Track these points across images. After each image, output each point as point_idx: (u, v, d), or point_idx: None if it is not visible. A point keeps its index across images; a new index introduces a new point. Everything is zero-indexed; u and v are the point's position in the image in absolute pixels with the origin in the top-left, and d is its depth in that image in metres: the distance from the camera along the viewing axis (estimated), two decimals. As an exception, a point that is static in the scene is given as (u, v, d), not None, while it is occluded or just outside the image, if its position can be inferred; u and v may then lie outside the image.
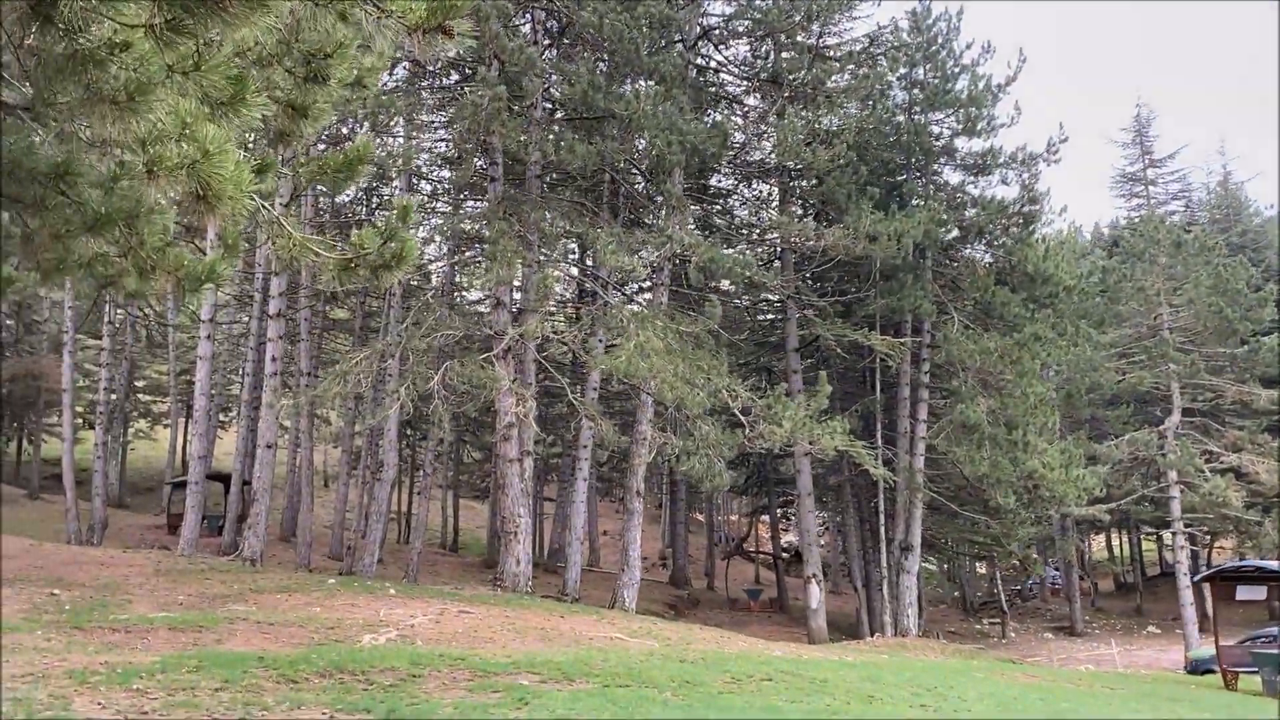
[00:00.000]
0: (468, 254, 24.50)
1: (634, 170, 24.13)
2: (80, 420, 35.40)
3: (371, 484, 35.06)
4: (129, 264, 5.03)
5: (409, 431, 38.28)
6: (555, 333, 16.77)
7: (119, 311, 34.20)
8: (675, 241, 17.42)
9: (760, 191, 27.15)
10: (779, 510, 45.79)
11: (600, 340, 19.34)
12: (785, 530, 69.56)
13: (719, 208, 27.26)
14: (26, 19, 3.22)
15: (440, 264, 34.96)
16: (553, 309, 17.15)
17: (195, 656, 9.46)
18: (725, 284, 32.34)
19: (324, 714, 7.43)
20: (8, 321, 41.06)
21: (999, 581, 40.62)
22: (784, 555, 58.49)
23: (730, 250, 19.43)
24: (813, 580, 23.86)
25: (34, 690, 7.17)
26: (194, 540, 24.11)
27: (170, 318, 43.68)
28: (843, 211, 21.33)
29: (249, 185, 4.22)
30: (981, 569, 47.64)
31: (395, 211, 5.34)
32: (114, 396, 35.07)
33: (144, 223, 4.89)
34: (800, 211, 22.95)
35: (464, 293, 36.77)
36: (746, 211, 27.76)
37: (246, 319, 43.03)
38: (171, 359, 44.42)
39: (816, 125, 20.12)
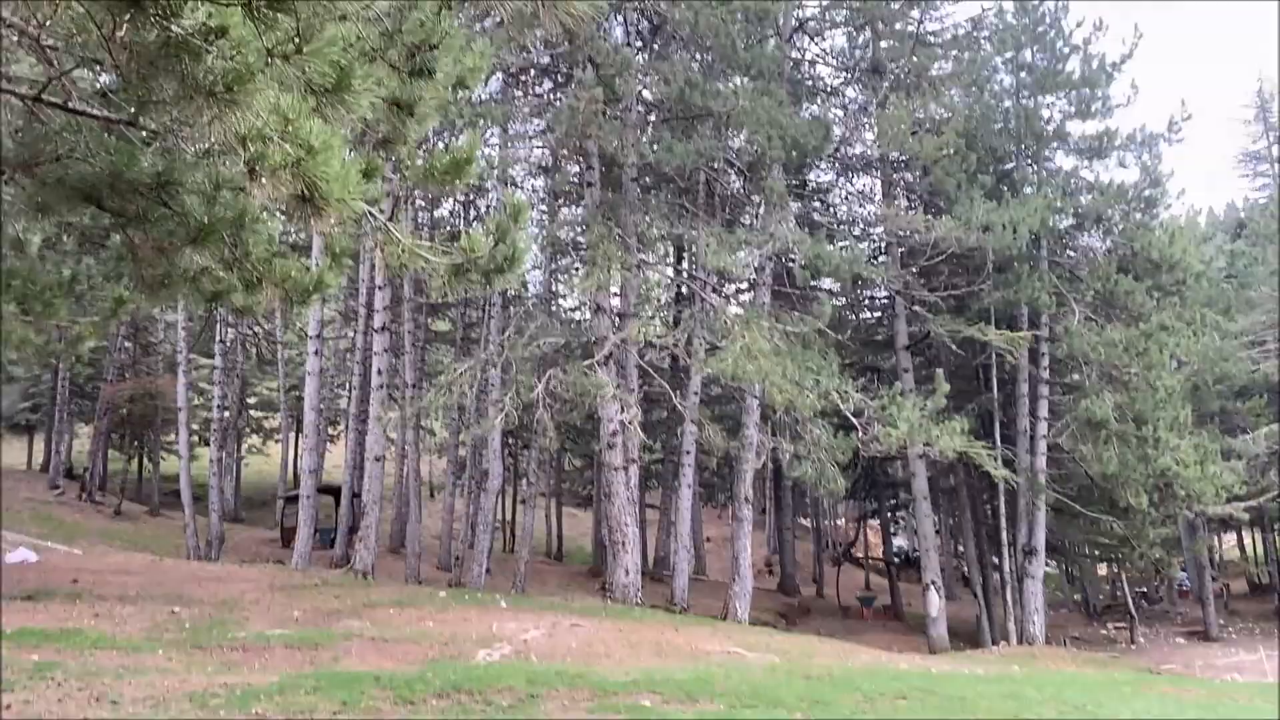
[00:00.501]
0: (564, 261, 24.32)
1: (729, 169, 23.68)
2: (195, 438, 36.38)
3: (477, 494, 35.27)
4: (235, 277, 4.79)
5: (510, 440, 38.43)
6: (658, 337, 16.38)
7: (230, 331, 35.06)
8: (777, 239, 16.89)
9: (862, 186, 26.38)
10: (888, 514, 44.62)
11: (701, 343, 18.93)
12: (894, 534, 68.07)
13: (818, 204, 26.57)
14: (117, 8, 2.94)
15: (538, 272, 35.08)
16: (650, 313, 16.75)
17: (313, 676, 9.32)
18: (827, 283, 31.64)
19: (444, 739, 7.15)
20: (125, 344, 42.56)
21: (1125, 584, 38.77)
22: (894, 560, 57.12)
23: (833, 247, 18.78)
24: (931, 587, 22.98)
25: (155, 716, 7.05)
26: (307, 554, 24.44)
27: (279, 335, 44.76)
28: (952, 202, 20.50)
29: (357, 186, 3.91)
30: (1102, 571, 45.65)
31: (506, 210, 5.00)
32: (227, 414, 35.98)
33: (248, 233, 4.64)
34: (905, 204, 22.14)
35: (560, 300, 36.81)
36: (847, 207, 27.05)
37: (351, 334, 43.92)
38: (281, 375, 45.47)
39: (923, 113, 19.37)
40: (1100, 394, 21.08)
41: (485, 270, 5.05)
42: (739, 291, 22.36)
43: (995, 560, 33.15)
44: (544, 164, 29.82)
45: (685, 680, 9.77)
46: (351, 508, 33.30)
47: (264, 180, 3.48)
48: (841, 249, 18.68)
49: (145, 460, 45.95)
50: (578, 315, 39.03)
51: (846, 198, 25.37)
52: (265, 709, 7.64)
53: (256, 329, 45.29)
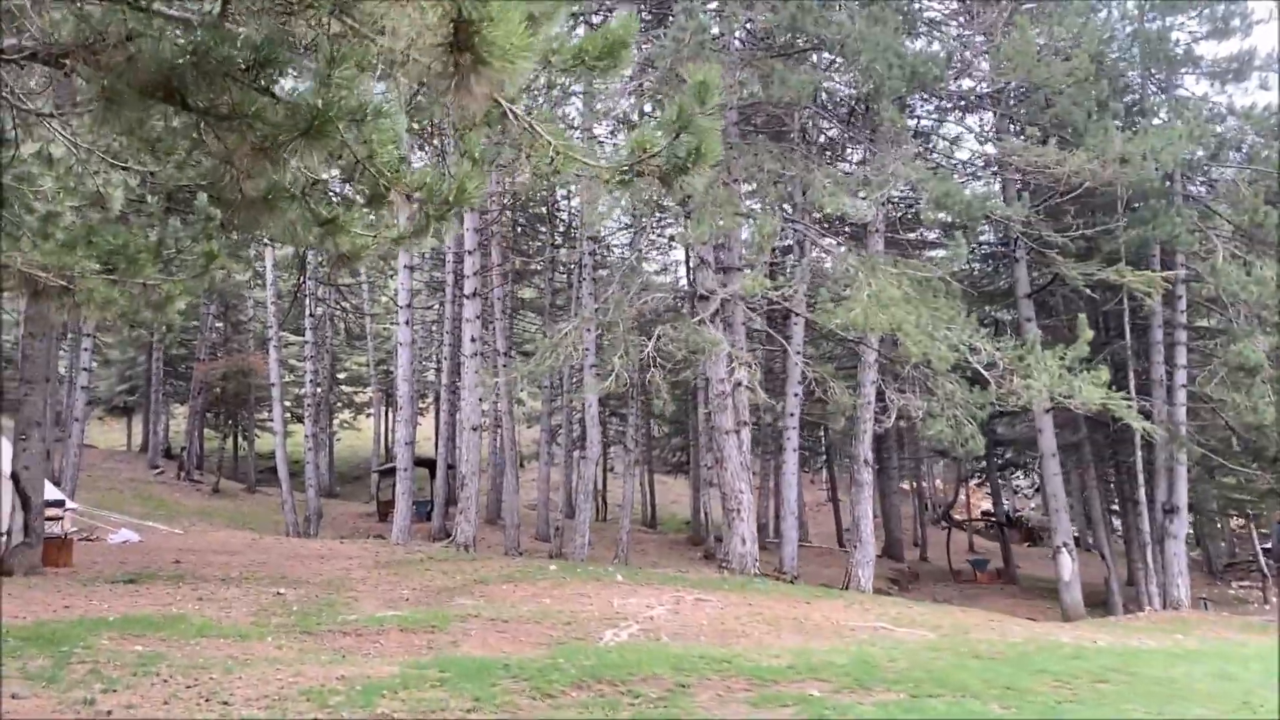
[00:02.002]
0: (658, 216, 23.13)
1: (824, 114, 22.22)
2: (289, 414, 36.27)
3: (576, 463, 34.51)
4: (357, 187, 3.76)
5: (600, 408, 37.60)
6: (774, 289, 15.16)
7: (319, 306, 34.75)
8: (899, 178, 15.50)
9: (969, 125, 24.64)
10: (997, 474, 42.78)
11: (802, 295, 17.64)
12: (990, 495, 65.88)
13: (921, 147, 24.94)
14: None
15: (627, 231, 33.95)
16: (761, 265, 15.52)
17: (435, 664, 8.44)
18: (930, 233, 29.92)
19: (599, 743, 6.17)
20: (216, 324, 42.74)
21: (1255, 541, 36.50)
22: (1004, 521, 55.15)
23: (961, 186, 17.26)
24: (1063, 550, 21.46)
25: (272, 719, 6.19)
26: (406, 527, 23.90)
27: (366, 308, 44.55)
28: (1080, 134, 18.77)
29: (523, 36, 2.83)
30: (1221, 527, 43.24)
31: (692, 89, 3.87)
32: (319, 389, 35.77)
33: (370, 127, 3.59)
34: (1023, 140, 20.44)
35: (646, 262, 35.64)
36: (953, 147, 25.31)
37: (437, 305, 43.49)
38: (370, 349, 45.34)
39: (1045, 39, 17.70)
40: (1253, 336, 19.25)
41: (663, 171, 3.94)
42: (848, 239, 20.91)
43: (1122, 520, 31.38)
44: (628, 118, 28.63)
45: (847, 664, 8.66)
46: (447, 480, 32.87)
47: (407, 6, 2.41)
48: (968, 188, 17.10)
49: (240, 438, 46.29)
50: (660, 279, 38.00)
51: (956, 139, 23.63)
52: (390, 707, 6.75)
53: (344, 304, 45.18)
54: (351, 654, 9.27)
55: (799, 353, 22.07)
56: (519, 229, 36.69)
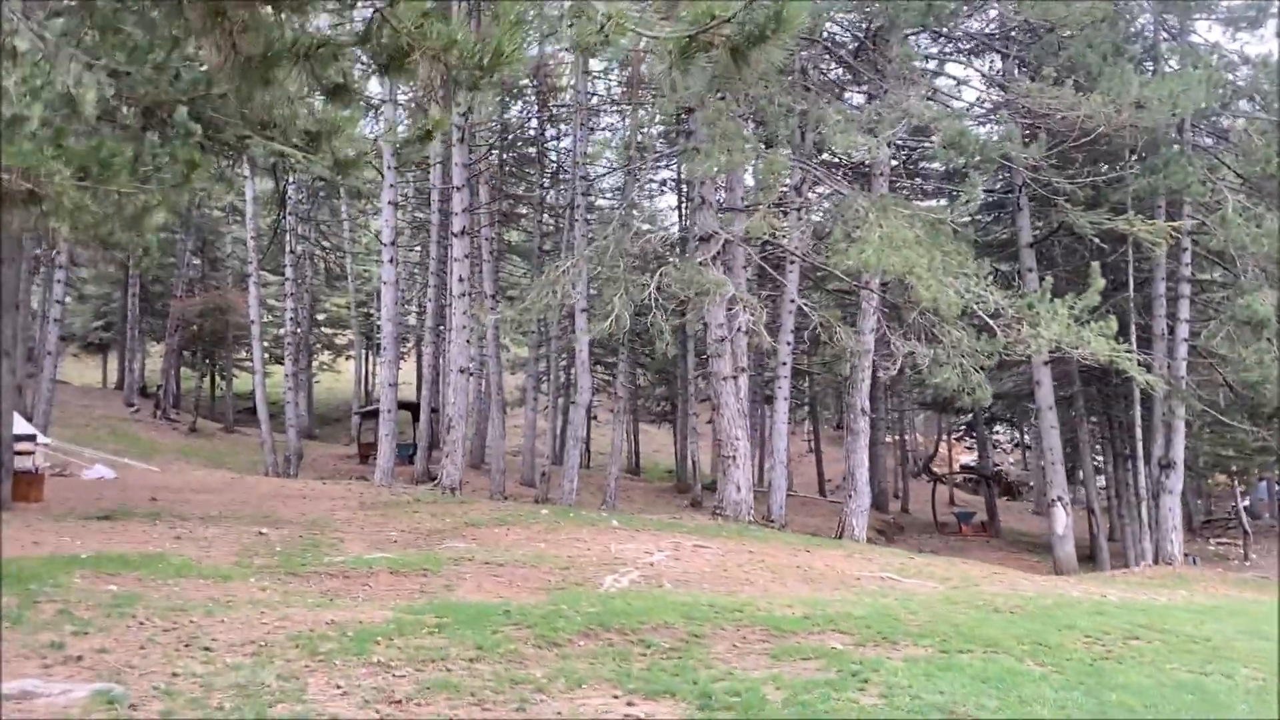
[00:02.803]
0: (658, 154, 22.38)
1: (830, 51, 21.48)
2: (267, 355, 35.50)
3: (560, 409, 34.01)
4: (373, 47, 3.14)
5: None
6: (778, 232, 14.54)
7: (300, 244, 33.85)
8: (912, 116, 14.86)
9: (979, 67, 23.96)
10: (983, 427, 42.59)
11: (799, 238, 17.03)
12: (969, 449, 66.05)
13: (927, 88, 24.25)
14: None
15: (617, 175, 33.18)
16: (768, 205, 14.84)
17: (431, 609, 7.95)
18: (928, 181, 29.30)
19: (617, 696, 5.69)
20: (194, 260, 41.68)
21: (1237, 498, 36.57)
22: (972, 474, 55.29)
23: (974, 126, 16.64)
24: (1058, 503, 21.22)
25: (260, 670, 5.66)
26: (389, 469, 23.37)
27: (347, 247, 43.63)
28: (1094, 78, 18.16)
29: None
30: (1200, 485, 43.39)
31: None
32: (299, 330, 34.98)
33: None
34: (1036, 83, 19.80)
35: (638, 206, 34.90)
36: (957, 89, 24.63)
37: (419, 246, 42.62)
38: (351, 290, 44.49)
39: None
40: (1261, 290, 18.86)
41: (734, 42, 3.34)
42: (850, 183, 20.27)
43: (1109, 475, 31.23)
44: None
45: (866, 616, 8.23)
46: (430, 423, 32.31)
47: None
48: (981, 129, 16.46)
49: (217, 377, 45.48)
50: (646, 226, 37.25)
51: (962, 82, 22.96)
52: (388, 657, 6.25)
53: (325, 243, 44.24)
54: (340, 597, 8.77)
55: (794, 299, 21.55)
56: (506, 170, 35.77)
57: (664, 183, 33.89)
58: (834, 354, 15.99)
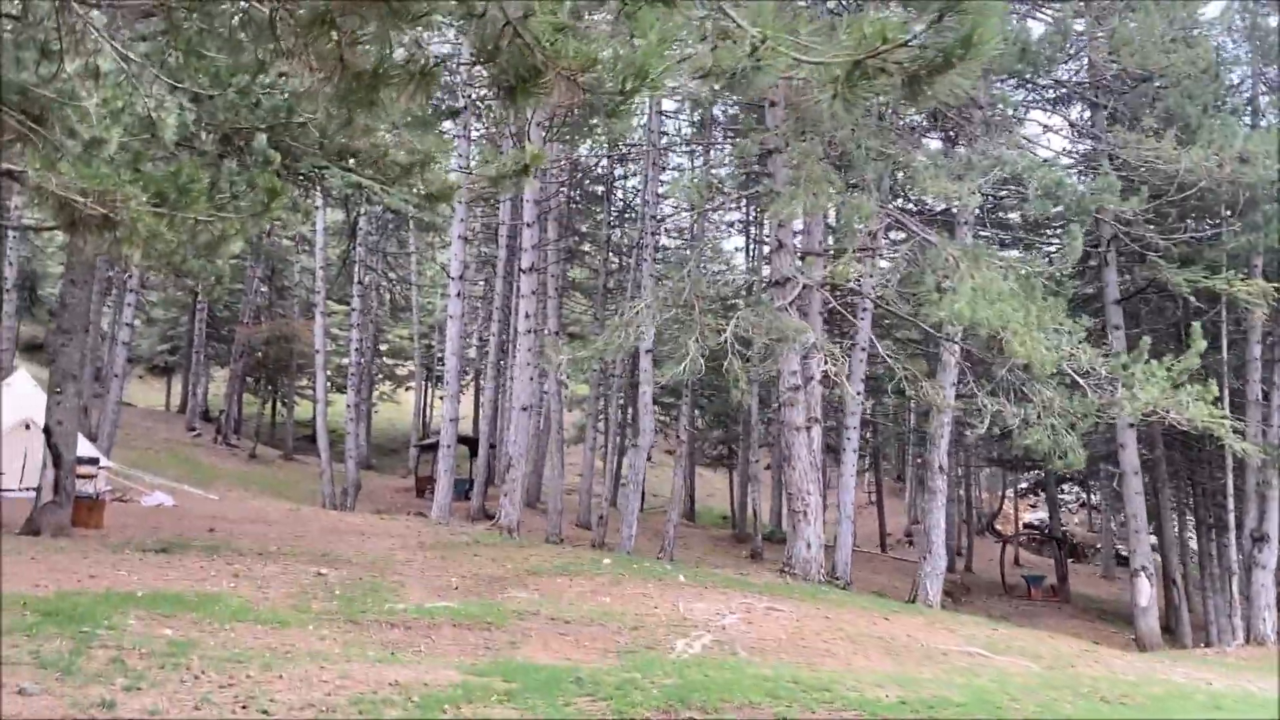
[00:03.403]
0: (728, 196, 21.94)
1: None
2: (329, 384, 35.57)
3: (615, 450, 33.51)
4: (498, 67, 2.71)
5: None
6: (865, 276, 13.96)
7: (367, 274, 33.93)
8: (1008, 164, 14.26)
9: (1061, 117, 23.25)
10: (1054, 486, 41.23)
11: (885, 282, 16.41)
12: (1033, 507, 64.29)
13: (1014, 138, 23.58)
14: None
15: (685, 214, 32.85)
16: (851, 250, 14.26)
17: (497, 670, 7.46)
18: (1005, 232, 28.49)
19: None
20: (261, 288, 42.10)
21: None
22: (1036, 534, 53.50)
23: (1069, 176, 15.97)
24: (1141, 573, 20.15)
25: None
26: (447, 506, 23.06)
27: (413, 279, 43.81)
28: (1192, 130, 17.41)
29: None
30: None
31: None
32: (363, 359, 35.03)
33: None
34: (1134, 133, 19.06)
35: (708, 248, 34.51)
36: (1042, 138, 23.93)
37: (482, 281, 42.63)
38: (415, 322, 44.60)
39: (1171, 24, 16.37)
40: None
41: (911, 71, 2.86)
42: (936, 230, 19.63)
43: (1183, 542, 29.85)
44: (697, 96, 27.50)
45: (967, 704, 7.56)
46: (489, 459, 32.01)
47: None
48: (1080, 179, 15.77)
49: (278, 404, 45.78)
50: (712, 267, 36.77)
51: (1049, 130, 22.25)
52: (456, 729, 5.75)
53: (391, 274, 44.49)
54: (401, 650, 8.31)
55: (864, 348, 20.91)
56: (573, 206, 35.66)
57: (731, 225, 33.55)
58: (901, 408, 15.20)
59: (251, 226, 6.82)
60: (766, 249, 30.73)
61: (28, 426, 19.20)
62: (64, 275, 14.82)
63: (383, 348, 48.46)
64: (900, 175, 16.43)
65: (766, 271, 17.58)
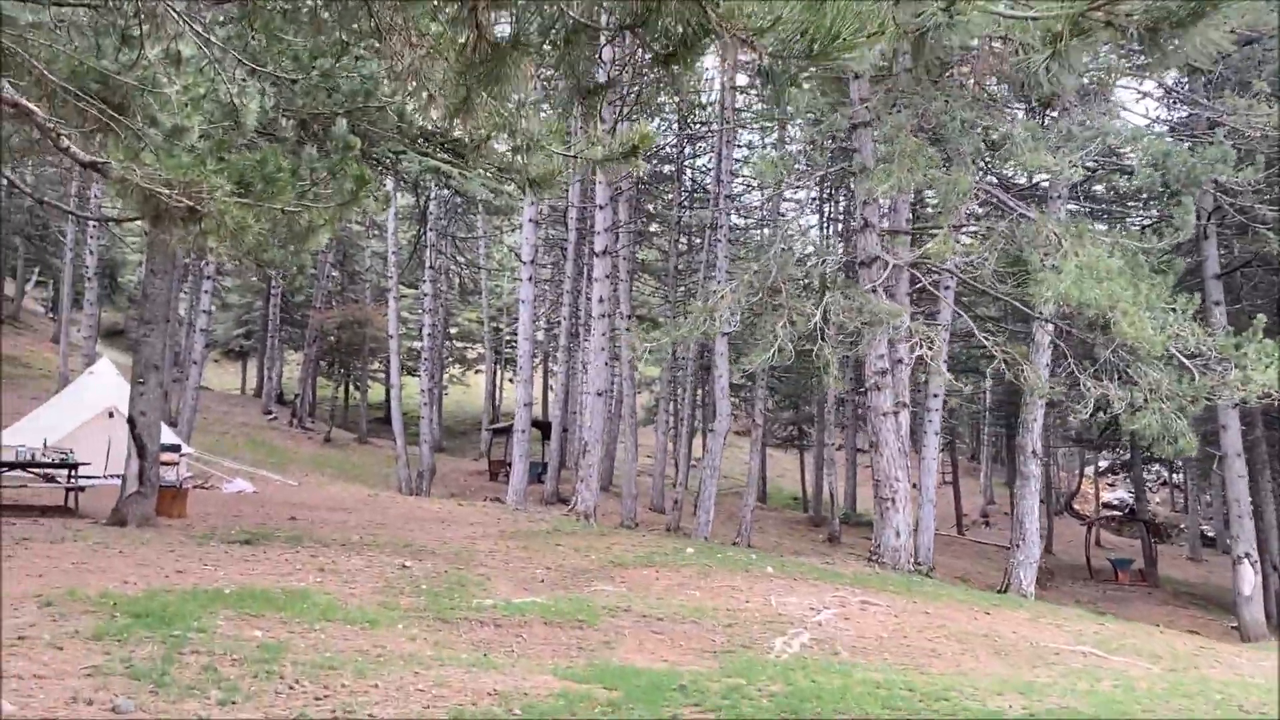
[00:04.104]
0: (810, 173, 21.31)
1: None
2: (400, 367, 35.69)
3: (690, 431, 33.10)
4: (658, 29, 2.30)
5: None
6: (961, 255, 13.30)
7: (439, 256, 33.87)
8: (1110, 134, 13.48)
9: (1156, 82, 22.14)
10: (1140, 466, 39.89)
11: (982, 261, 15.70)
12: (1111, 486, 62.59)
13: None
14: None
15: (756, 193, 32.20)
16: (946, 228, 13.59)
17: (595, 675, 7.14)
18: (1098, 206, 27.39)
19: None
20: (333, 272, 42.43)
21: None
22: (1117, 514, 52.06)
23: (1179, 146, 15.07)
24: (1244, 561, 19.24)
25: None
26: (522, 490, 22.93)
27: (482, 263, 43.79)
28: (1304, 93, 16.40)
29: None
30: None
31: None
32: (435, 343, 35.10)
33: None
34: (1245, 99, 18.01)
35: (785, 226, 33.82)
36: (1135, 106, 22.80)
37: (550, 264, 42.43)
38: (485, 305, 44.63)
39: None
40: None
41: (1154, 18, 2.39)
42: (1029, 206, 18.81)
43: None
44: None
45: (1100, 717, 7.04)
46: (561, 443, 31.89)
47: None
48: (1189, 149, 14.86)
49: (351, 388, 46.23)
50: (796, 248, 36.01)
51: (1146, 96, 21.22)
52: (564, 747, 5.42)
53: (460, 259, 44.53)
54: (494, 650, 8.03)
55: (946, 328, 20.21)
56: (640, 187, 35.21)
57: (802, 204, 32.82)
58: (977, 388, 14.50)
59: (339, 216, 6.52)
60: (845, 228, 30.01)
61: (111, 414, 19.42)
62: (145, 265, 14.82)
63: (452, 331, 48.65)
64: (984, 149, 15.67)
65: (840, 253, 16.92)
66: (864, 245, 15.73)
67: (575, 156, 4.76)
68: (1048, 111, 18.57)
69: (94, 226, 30.05)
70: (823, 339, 12.82)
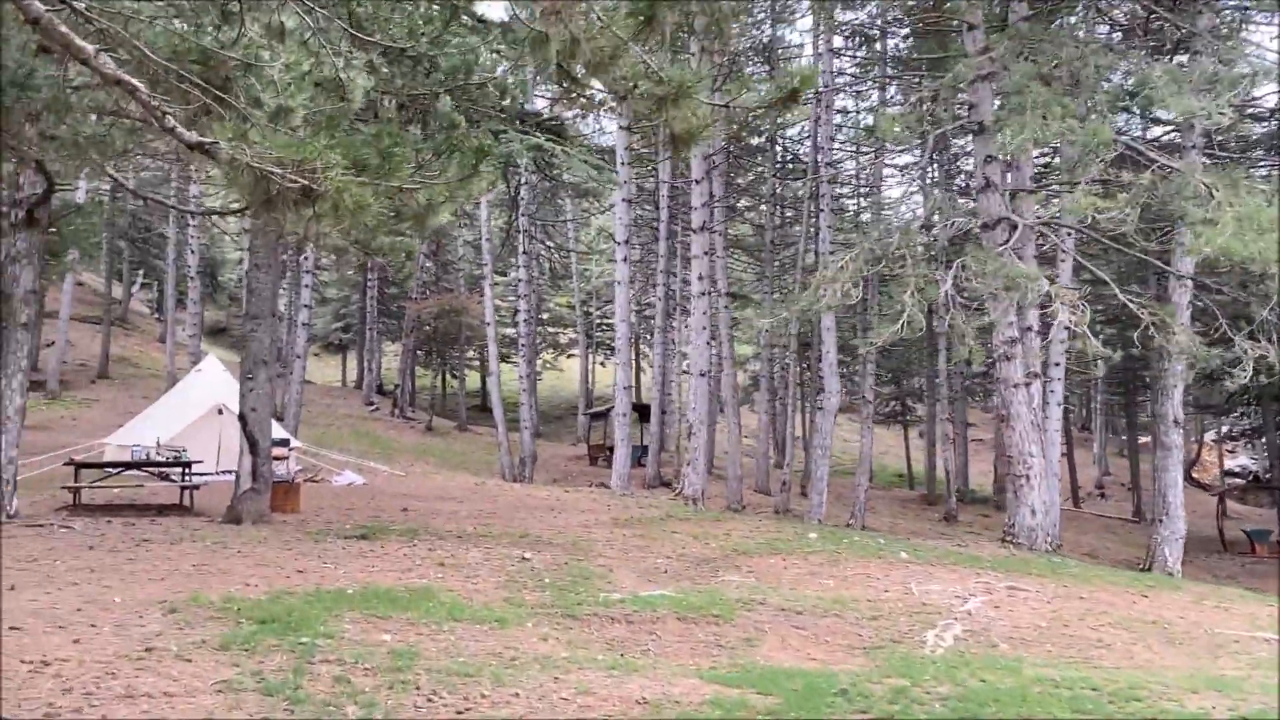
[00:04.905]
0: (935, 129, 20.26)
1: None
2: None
3: (792, 410, 32.36)
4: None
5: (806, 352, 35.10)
6: (1098, 211, 12.29)
7: (534, 242, 33.64)
8: (1259, 76, 12.33)
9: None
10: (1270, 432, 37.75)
11: (1124, 218, 14.61)
12: (1231, 453, 59.82)
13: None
14: None
15: (854, 159, 31.17)
16: (1081, 182, 12.60)
17: (744, 679, 6.60)
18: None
19: None
20: (426, 263, 42.60)
21: None
22: (1239, 483, 49.66)
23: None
24: None
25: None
26: (626, 475, 22.54)
27: (571, 245, 43.52)
28: None
29: None
30: None
31: None
32: (531, 329, 34.97)
33: None
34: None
35: (884, 190, 32.80)
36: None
37: (639, 244, 41.92)
38: (576, 289, 44.40)
39: None
40: None
41: None
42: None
43: None
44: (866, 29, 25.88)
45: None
46: (660, 425, 31.45)
47: None
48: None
49: (448, 376, 46.53)
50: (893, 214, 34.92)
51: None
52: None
53: (549, 243, 44.36)
54: (629, 650, 7.56)
55: (1075, 288, 19.08)
56: (731, 160, 34.42)
57: (903, 168, 31.66)
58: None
59: (460, 192, 6.05)
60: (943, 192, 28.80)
61: (220, 411, 19.54)
62: (249, 259, 14.71)
63: (543, 316, 48.63)
64: (1122, 96, 14.56)
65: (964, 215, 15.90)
66: (986, 206, 14.80)
67: (727, 105, 4.18)
68: (1175, 55, 17.32)
69: (194, 226, 30.55)
70: (954, 307, 12.01)
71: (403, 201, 5.82)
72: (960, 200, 21.87)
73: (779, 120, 21.64)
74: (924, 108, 16.05)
